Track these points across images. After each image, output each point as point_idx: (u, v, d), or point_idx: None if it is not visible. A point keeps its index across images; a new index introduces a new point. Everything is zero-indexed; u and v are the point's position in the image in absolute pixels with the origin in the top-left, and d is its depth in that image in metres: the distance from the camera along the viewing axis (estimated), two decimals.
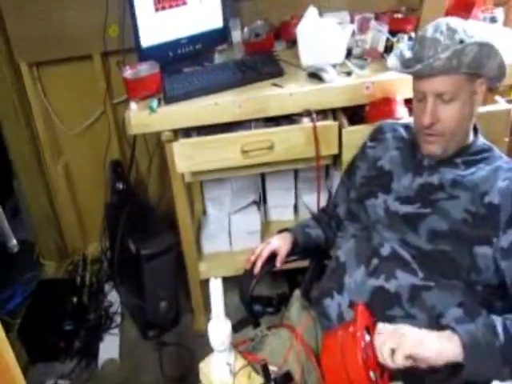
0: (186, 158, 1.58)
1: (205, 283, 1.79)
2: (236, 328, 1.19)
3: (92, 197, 2.22)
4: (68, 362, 1.89)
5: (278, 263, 1.26)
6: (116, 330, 2.02)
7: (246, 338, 1.18)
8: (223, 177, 1.94)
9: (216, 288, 0.94)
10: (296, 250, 1.30)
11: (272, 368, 0.96)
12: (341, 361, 0.92)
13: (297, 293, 1.26)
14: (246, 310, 1.30)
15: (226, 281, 1.41)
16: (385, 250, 1.07)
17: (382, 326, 0.92)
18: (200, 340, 1.96)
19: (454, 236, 1.00)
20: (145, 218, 1.97)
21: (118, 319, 2.05)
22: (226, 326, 0.98)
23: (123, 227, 1.88)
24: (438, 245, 1.01)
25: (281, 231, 1.34)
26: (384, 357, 0.88)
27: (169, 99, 1.56)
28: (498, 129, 1.53)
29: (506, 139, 1.61)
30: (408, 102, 1.49)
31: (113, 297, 2.13)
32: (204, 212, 2.18)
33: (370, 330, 0.97)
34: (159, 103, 1.56)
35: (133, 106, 1.56)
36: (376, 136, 1.27)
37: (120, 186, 1.92)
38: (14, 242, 2.30)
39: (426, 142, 1.08)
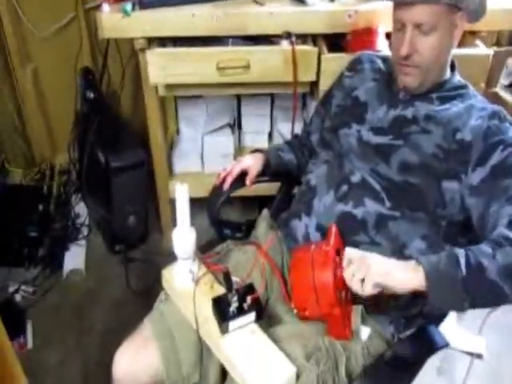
0: (160, 68, 1.52)
1: (175, 202, 1.85)
2: (204, 249, 1.21)
3: (62, 105, 2.13)
4: (32, 269, 1.90)
5: (248, 181, 1.26)
6: (82, 242, 2.02)
7: (212, 252, 1.18)
8: (198, 94, 1.89)
9: (182, 195, 0.93)
10: (267, 172, 1.30)
11: (235, 279, 0.96)
12: (310, 276, 0.92)
13: (265, 212, 1.26)
14: (213, 226, 1.31)
15: (196, 203, 1.41)
16: (355, 178, 1.07)
17: (349, 251, 0.93)
18: (168, 258, 1.97)
19: (424, 169, 1.01)
20: (116, 130, 1.93)
21: (84, 231, 2.05)
22: (191, 233, 0.98)
23: (93, 137, 1.83)
24: (408, 177, 1.02)
25: (253, 151, 1.34)
26: (354, 287, 0.89)
27: (144, 4, 1.48)
28: (475, 73, 1.53)
29: (483, 85, 1.61)
30: (389, 35, 1.47)
31: (80, 209, 2.11)
32: (177, 131, 2.14)
33: (340, 253, 0.98)
34: (134, 7, 1.48)
35: (105, 7, 1.48)
36: (354, 66, 1.25)
37: (91, 94, 1.85)
38: None
39: (402, 73, 1.07)
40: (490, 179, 0.96)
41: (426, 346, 0.98)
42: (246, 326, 0.94)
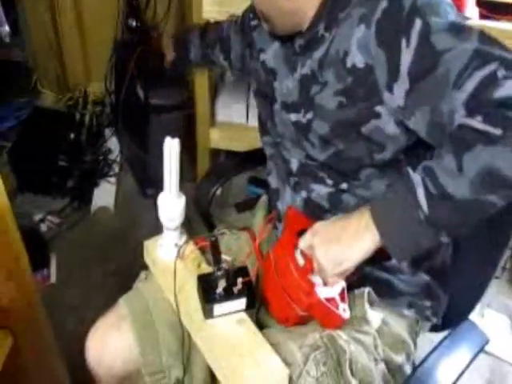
0: (215, 2, 1.36)
1: (213, 153, 1.69)
2: (239, 208, 1.13)
3: (101, 30, 1.97)
4: (59, 199, 1.84)
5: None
6: (112, 179, 1.92)
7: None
8: None
9: (171, 150, 0.75)
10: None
11: (225, 257, 0.81)
12: (274, 276, 0.81)
13: (263, 199, 1.10)
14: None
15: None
16: (294, 166, 0.93)
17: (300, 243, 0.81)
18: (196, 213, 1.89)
19: (337, 131, 0.81)
20: (158, 65, 1.76)
21: (115, 168, 1.95)
22: (179, 199, 0.82)
23: (133, 69, 1.68)
24: (330, 150, 0.84)
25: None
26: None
27: None
28: None
29: None
30: None
31: (113, 144, 2.00)
32: (221, 78, 1.94)
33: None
34: None
35: None
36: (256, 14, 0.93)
37: (133, 23, 1.69)
38: (7, 29, 1.82)
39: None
40: (416, 89, 0.69)
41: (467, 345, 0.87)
42: (233, 313, 0.81)
